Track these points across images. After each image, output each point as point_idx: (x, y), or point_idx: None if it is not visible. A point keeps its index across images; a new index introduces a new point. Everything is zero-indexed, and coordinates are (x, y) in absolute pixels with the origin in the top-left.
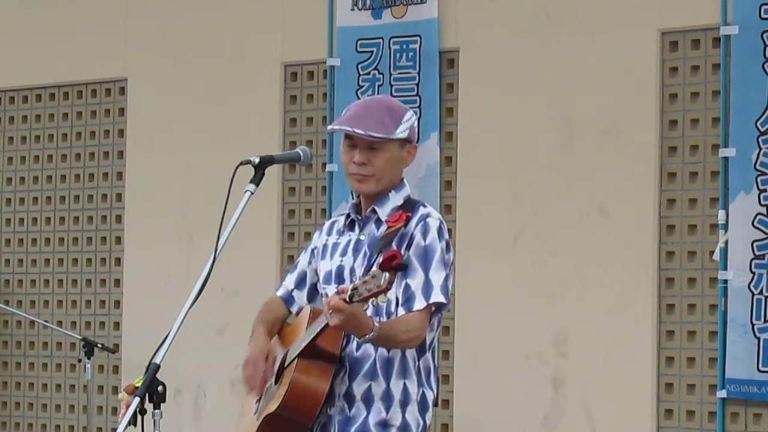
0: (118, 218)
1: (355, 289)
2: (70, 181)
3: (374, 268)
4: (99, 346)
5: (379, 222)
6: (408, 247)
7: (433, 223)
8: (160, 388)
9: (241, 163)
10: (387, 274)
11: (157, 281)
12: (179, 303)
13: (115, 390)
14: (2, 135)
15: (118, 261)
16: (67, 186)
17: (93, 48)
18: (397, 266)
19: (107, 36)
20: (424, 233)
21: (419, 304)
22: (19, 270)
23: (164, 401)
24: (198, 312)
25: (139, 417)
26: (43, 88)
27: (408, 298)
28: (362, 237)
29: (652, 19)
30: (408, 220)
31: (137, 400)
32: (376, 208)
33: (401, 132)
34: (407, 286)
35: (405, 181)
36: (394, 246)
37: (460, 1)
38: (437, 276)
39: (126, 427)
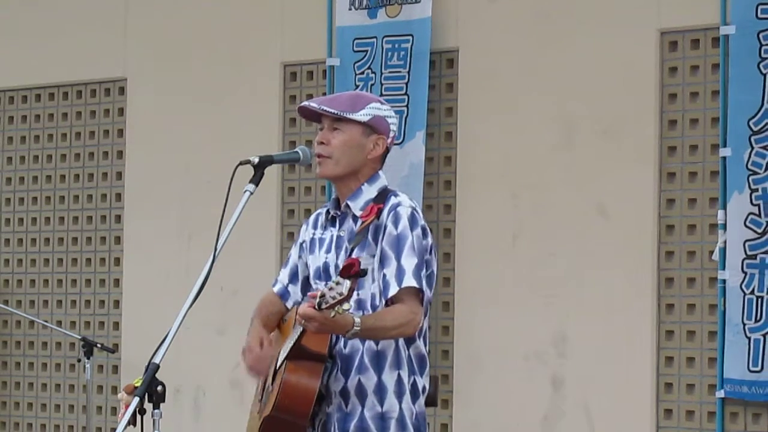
0: (118, 218)
1: (322, 296)
2: (69, 180)
3: (336, 275)
4: (98, 345)
5: (355, 217)
6: (382, 239)
7: (404, 211)
8: (159, 387)
9: (241, 163)
10: (348, 282)
11: (157, 281)
12: (179, 303)
13: (115, 390)
14: (2, 135)
15: (118, 261)
16: (66, 186)
17: (93, 48)
18: (356, 274)
19: (107, 36)
20: (395, 222)
21: (393, 289)
22: (19, 270)
23: (164, 401)
24: (197, 312)
25: (138, 417)
26: (42, 88)
27: (384, 287)
28: (341, 233)
29: (652, 19)
30: (380, 211)
31: (137, 399)
32: (349, 203)
33: (361, 115)
34: (384, 276)
35: (381, 173)
36: (369, 239)
37: (460, 1)
38: (409, 262)
39: (125, 427)
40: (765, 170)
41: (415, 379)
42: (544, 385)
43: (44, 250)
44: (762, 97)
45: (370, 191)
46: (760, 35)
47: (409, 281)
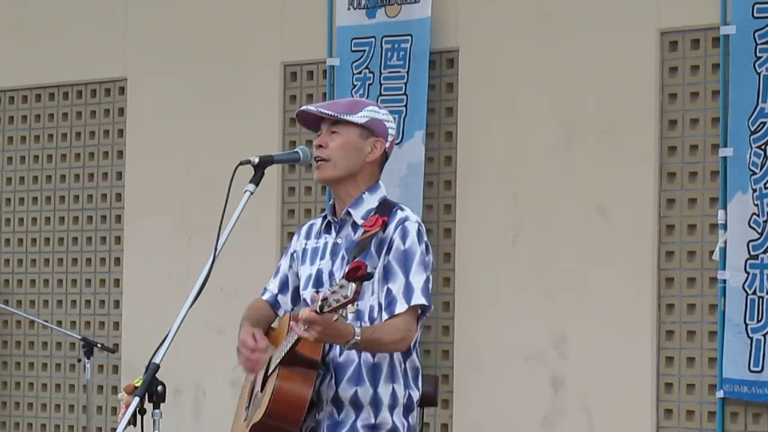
0: (118, 218)
1: (325, 299)
2: (69, 180)
3: (340, 278)
4: (98, 345)
5: (355, 225)
6: (387, 252)
7: (412, 226)
8: (159, 387)
9: (241, 163)
10: (353, 285)
11: (157, 281)
12: (179, 303)
13: (115, 390)
14: (2, 135)
15: (118, 261)
16: (66, 186)
17: (93, 48)
18: (361, 276)
19: (107, 36)
20: (403, 237)
21: (401, 307)
22: (19, 270)
23: (164, 401)
24: (198, 312)
25: (138, 417)
26: (42, 88)
27: (390, 302)
28: (339, 240)
29: (652, 19)
30: (385, 225)
31: (137, 399)
32: (350, 210)
33: (358, 117)
34: (389, 291)
35: (381, 183)
36: (372, 251)
37: (460, 1)
38: (417, 279)
39: (126, 427)
40: (761, 169)
41: (410, 393)
42: (544, 386)
43: (44, 250)
44: (757, 97)
45: (371, 200)
46: (756, 34)
47: (419, 299)
